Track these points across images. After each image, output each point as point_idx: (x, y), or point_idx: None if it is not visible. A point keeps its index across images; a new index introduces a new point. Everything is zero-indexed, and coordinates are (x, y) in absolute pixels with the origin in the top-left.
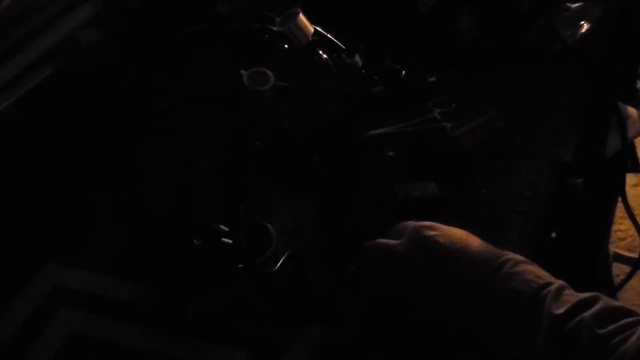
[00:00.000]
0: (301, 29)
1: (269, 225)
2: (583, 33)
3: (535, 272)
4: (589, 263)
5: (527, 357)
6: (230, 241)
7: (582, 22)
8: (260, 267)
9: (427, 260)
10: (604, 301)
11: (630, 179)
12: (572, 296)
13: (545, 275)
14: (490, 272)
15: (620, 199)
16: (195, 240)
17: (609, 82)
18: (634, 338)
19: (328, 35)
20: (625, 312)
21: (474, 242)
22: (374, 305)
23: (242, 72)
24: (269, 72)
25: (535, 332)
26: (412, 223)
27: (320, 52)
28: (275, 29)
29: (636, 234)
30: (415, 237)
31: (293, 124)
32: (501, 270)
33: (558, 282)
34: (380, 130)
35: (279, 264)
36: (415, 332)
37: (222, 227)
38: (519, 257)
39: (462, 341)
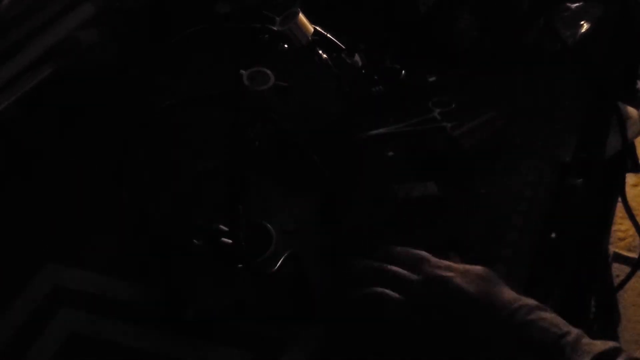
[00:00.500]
0: (301, 28)
1: (269, 225)
2: (583, 33)
3: (551, 320)
4: (588, 263)
5: None
6: (230, 241)
7: (582, 22)
8: (260, 267)
9: (443, 307)
10: (624, 355)
11: (630, 178)
12: (592, 346)
13: (561, 323)
14: (505, 317)
15: (620, 199)
16: (195, 240)
17: (609, 82)
18: None
19: (328, 35)
20: None
21: (493, 283)
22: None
23: (242, 72)
24: (269, 72)
25: None
26: (421, 256)
27: (320, 52)
28: (275, 28)
29: (636, 234)
30: (429, 275)
31: (293, 124)
32: (516, 317)
33: (575, 331)
34: (380, 130)
35: (278, 264)
36: None
37: (222, 227)
38: (532, 301)
39: None
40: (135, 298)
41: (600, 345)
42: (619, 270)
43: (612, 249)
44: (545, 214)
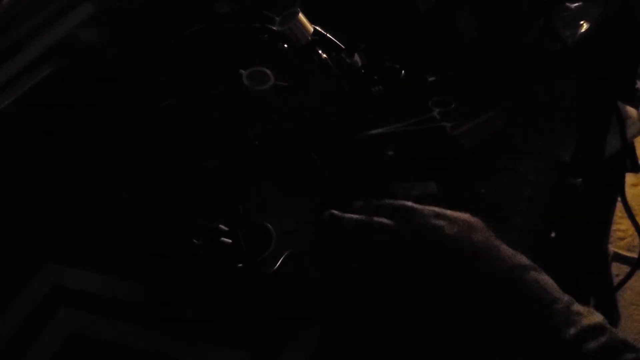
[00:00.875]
0: (301, 28)
1: (269, 225)
2: (583, 33)
3: (545, 282)
4: (588, 263)
5: None
6: (230, 241)
7: (582, 22)
8: (260, 267)
9: (433, 257)
10: (610, 333)
11: (630, 178)
12: (580, 317)
13: (554, 288)
14: (503, 273)
15: (619, 198)
16: (195, 240)
17: (609, 82)
18: None
19: (328, 35)
20: (629, 347)
21: (480, 233)
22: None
23: (242, 71)
24: (269, 72)
25: (542, 348)
26: (411, 204)
27: (320, 52)
28: (275, 28)
29: (635, 233)
30: (418, 223)
31: (293, 124)
32: (514, 274)
33: (566, 299)
34: (380, 130)
35: (278, 264)
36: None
37: (221, 227)
38: (525, 260)
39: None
40: (135, 298)
41: (587, 318)
42: (618, 270)
43: (612, 248)
44: (545, 214)
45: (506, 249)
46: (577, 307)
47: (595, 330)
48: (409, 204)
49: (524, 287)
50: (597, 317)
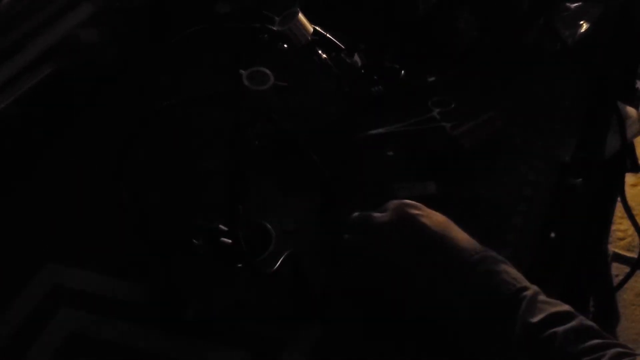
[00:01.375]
0: (301, 28)
1: (269, 225)
2: (583, 33)
3: (513, 273)
4: (588, 263)
5: (498, 357)
6: (230, 241)
7: (582, 22)
8: (259, 266)
9: (408, 237)
10: (578, 319)
11: (630, 178)
12: (547, 305)
13: (521, 279)
14: (470, 264)
15: (619, 198)
16: (195, 240)
17: (609, 82)
18: None
19: (328, 35)
20: (596, 333)
21: (455, 230)
22: (353, 270)
23: (242, 72)
24: (269, 72)
25: (509, 335)
26: (397, 201)
27: (320, 52)
28: (274, 28)
29: (635, 234)
30: (399, 212)
31: (293, 124)
32: (480, 265)
33: (534, 288)
34: (380, 130)
35: (278, 264)
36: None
37: (221, 227)
38: (498, 256)
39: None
40: (135, 298)
41: (554, 306)
42: (618, 270)
43: (612, 248)
44: (545, 214)
45: (473, 241)
46: (545, 297)
47: (562, 316)
48: (404, 201)
49: (490, 277)
50: (565, 307)
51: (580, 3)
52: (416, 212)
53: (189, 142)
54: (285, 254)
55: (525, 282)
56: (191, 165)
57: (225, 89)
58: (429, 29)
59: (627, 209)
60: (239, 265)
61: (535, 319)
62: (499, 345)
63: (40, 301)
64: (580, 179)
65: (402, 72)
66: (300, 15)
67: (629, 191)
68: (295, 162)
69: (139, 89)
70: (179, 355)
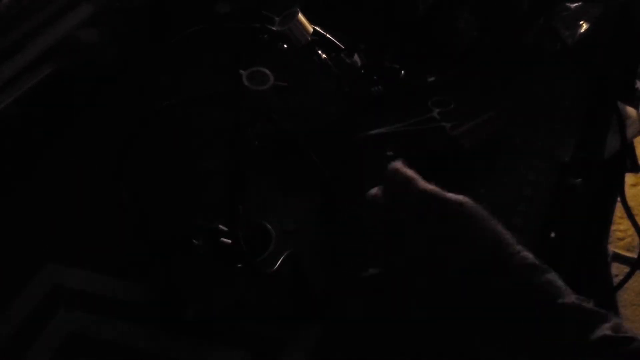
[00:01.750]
0: (300, 28)
1: (269, 225)
2: (583, 33)
3: (557, 282)
4: (588, 263)
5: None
6: (230, 241)
7: (582, 22)
8: (259, 266)
9: (404, 199)
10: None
11: (629, 178)
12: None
13: (563, 287)
14: (507, 256)
15: (619, 198)
16: (195, 240)
17: (609, 82)
18: None
19: (327, 35)
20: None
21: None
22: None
23: (242, 72)
24: (269, 72)
25: (558, 337)
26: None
27: (320, 52)
28: (274, 28)
29: (635, 234)
30: (391, 176)
31: (293, 124)
32: (518, 257)
33: (573, 298)
34: (380, 130)
35: (278, 264)
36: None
37: (221, 227)
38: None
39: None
40: (135, 298)
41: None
42: (618, 270)
43: (612, 248)
44: (545, 214)
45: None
46: (586, 307)
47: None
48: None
49: (536, 289)
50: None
51: (580, 3)
52: (410, 174)
53: (189, 142)
54: (285, 254)
55: (567, 291)
56: (191, 165)
57: (225, 89)
58: (429, 29)
59: (627, 209)
60: (239, 265)
61: (592, 336)
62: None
63: (40, 301)
64: (580, 179)
65: (402, 72)
66: (300, 16)
67: (629, 191)
68: (295, 162)
69: (139, 89)
70: (179, 355)
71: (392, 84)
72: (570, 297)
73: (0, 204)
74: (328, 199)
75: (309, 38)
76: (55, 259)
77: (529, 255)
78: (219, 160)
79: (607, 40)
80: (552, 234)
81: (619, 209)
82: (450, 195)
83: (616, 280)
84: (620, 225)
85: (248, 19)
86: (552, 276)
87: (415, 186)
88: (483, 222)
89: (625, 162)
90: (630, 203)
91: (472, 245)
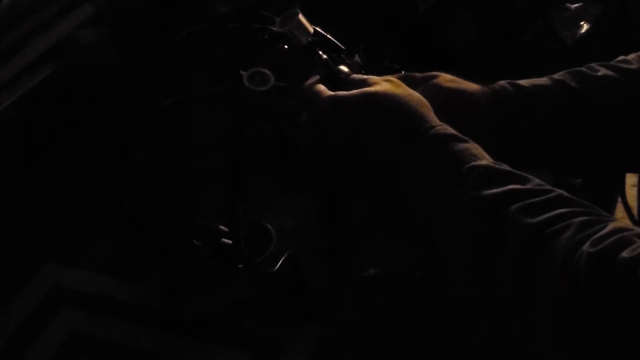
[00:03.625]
0: (301, 29)
1: (269, 225)
2: (582, 33)
3: (468, 147)
4: None
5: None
6: (230, 241)
7: (582, 22)
8: (260, 267)
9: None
10: (534, 183)
11: (630, 178)
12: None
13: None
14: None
15: (619, 199)
16: (194, 240)
17: None
18: (569, 233)
19: (328, 35)
20: (565, 201)
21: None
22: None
23: (242, 72)
24: (269, 73)
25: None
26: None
27: (320, 52)
28: (274, 29)
29: None
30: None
31: (293, 124)
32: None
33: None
34: None
35: (278, 264)
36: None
37: (221, 227)
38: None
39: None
40: (135, 298)
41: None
42: None
43: None
44: None
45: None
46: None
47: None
48: None
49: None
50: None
51: (580, 3)
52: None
53: (189, 142)
54: (285, 254)
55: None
56: (191, 166)
57: (225, 89)
58: (428, 29)
59: (627, 209)
60: (239, 265)
61: (489, 191)
62: (446, 212)
63: (40, 301)
64: (580, 179)
65: (402, 72)
66: (301, 16)
67: (629, 191)
68: (295, 162)
69: (139, 89)
70: (179, 355)
71: None
72: (483, 161)
73: (0, 204)
74: (328, 199)
75: (309, 38)
76: (55, 259)
77: (448, 128)
78: (219, 160)
79: (606, 40)
80: None
81: (619, 209)
82: (357, 91)
83: None
84: None
85: (248, 19)
86: (470, 145)
87: (321, 96)
88: (396, 107)
89: None
90: (631, 203)
91: (383, 133)
